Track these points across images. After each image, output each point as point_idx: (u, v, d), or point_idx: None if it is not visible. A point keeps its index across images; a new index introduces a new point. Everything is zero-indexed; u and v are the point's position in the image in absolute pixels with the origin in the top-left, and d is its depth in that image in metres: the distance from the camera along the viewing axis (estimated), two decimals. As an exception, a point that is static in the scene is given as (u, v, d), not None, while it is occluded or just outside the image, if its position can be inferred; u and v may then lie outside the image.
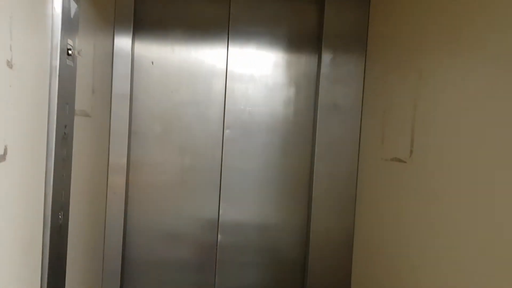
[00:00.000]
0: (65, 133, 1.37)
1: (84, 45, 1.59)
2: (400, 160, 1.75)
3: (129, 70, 2.05)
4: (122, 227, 2.09)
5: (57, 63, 1.26)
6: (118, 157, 2.05)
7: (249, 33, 2.21)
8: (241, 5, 2.20)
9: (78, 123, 1.55)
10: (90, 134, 1.74)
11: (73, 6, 1.35)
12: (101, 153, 1.94)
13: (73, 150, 1.48)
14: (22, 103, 1.06)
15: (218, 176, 2.22)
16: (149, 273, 2.20)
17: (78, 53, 1.36)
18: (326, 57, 2.18)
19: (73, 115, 1.45)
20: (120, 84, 2.04)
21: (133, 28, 2.07)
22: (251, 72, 2.22)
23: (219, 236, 2.24)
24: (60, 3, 1.26)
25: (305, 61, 2.27)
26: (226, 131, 2.21)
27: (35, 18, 1.14)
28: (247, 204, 2.26)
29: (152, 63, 2.14)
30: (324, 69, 2.17)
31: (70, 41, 1.35)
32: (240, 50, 2.21)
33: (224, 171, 2.22)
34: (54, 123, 1.27)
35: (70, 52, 1.35)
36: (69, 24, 1.34)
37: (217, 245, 2.24)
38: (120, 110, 2.04)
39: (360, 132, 2.21)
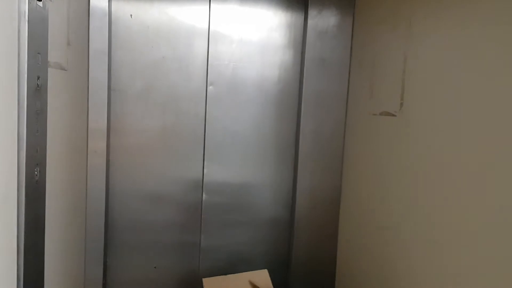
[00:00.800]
0: (38, 84, 1.28)
1: (56, -8, 1.49)
2: (389, 114, 1.71)
3: (106, 23, 1.93)
4: (104, 188, 2.02)
5: (25, 7, 1.17)
6: (97, 115, 1.97)
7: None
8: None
9: (53, 75, 1.46)
10: (66, 89, 1.66)
11: None
12: (79, 110, 1.86)
13: (48, 104, 1.40)
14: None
15: (202, 135, 2.16)
16: (133, 234, 2.16)
17: (49, -3, 1.26)
18: (313, 9, 2.09)
19: (47, 66, 1.36)
20: (98, 38, 1.93)
21: (110, -22, 1.95)
22: (234, 26, 2.13)
23: (203, 195, 2.20)
24: None
25: (291, 15, 2.18)
26: (210, 88, 2.14)
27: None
28: (232, 163, 2.21)
29: (131, 16, 2.03)
30: (310, 21, 2.09)
31: (39, -15, 1.25)
32: (224, 5, 2.11)
33: (208, 129, 2.16)
34: (25, 73, 1.19)
35: (39, -3, 1.25)
36: (38, -34, 1.24)
37: (202, 205, 2.21)
38: (98, 65, 1.94)
39: (348, 86, 2.15)
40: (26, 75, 1.18)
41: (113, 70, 2.04)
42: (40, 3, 1.26)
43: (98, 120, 1.97)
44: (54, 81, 1.49)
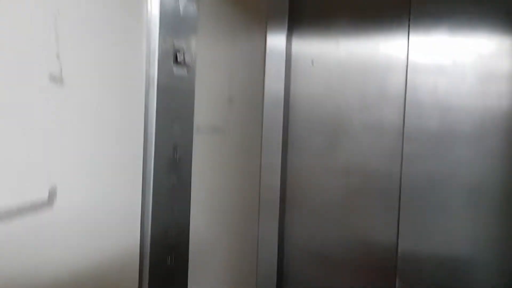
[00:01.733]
0: (174, 155, 1.12)
1: (213, 47, 1.33)
2: None
3: (283, 72, 1.73)
4: (277, 253, 1.78)
5: (154, 72, 1.01)
6: (271, 173, 1.75)
7: (438, 15, 1.66)
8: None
9: (205, 140, 1.30)
10: (227, 152, 1.48)
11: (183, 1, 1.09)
12: (247, 169, 1.67)
13: (197, 173, 1.23)
14: (86, 127, 0.83)
15: (395, 200, 1.74)
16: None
17: (184, 58, 1.09)
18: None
19: (191, 133, 1.20)
20: (273, 89, 1.73)
21: (288, 22, 1.74)
22: (441, 64, 1.67)
23: (397, 280, 1.75)
24: (158, -3, 1.00)
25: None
26: (406, 141, 1.71)
27: (113, 16, 0.89)
28: (436, 235, 1.70)
29: (312, 62, 1.78)
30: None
31: (180, 44, 1.09)
32: (426, 38, 1.68)
33: (404, 192, 1.73)
34: (152, 148, 1.02)
35: (179, 57, 1.09)
36: (178, 23, 1.08)
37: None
38: (272, 118, 1.74)
39: None
40: (153, 149, 1.02)
41: (291, 123, 1.81)
42: (181, 65, 1.10)
43: (271, 178, 1.75)
44: (207, 146, 1.32)
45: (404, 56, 1.70)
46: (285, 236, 1.84)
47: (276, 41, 1.73)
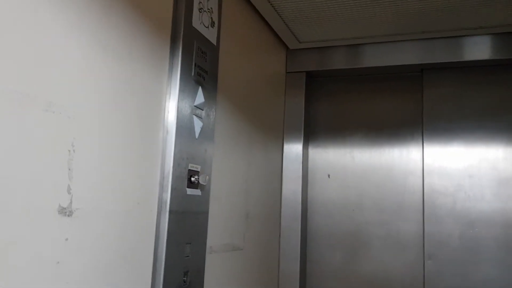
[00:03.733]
0: (184, 281, 1.08)
1: (229, 163, 1.35)
2: None
3: (300, 186, 1.72)
4: None
5: (167, 196, 1.02)
6: (289, 291, 1.68)
7: (451, 129, 1.67)
8: (436, 99, 1.70)
9: (220, 259, 1.27)
10: (243, 268, 1.44)
11: (198, 124, 1.12)
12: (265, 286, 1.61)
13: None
14: (93, 259, 0.82)
15: (421, 324, 1.62)
16: None
17: (198, 180, 1.10)
18: None
19: (203, 254, 1.17)
20: (291, 201, 1.72)
21: (304, 136, 1.77)
22: (458, 178, 1.64)
23: None
24: (174, 117, 1.02)
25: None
26: (428, 262, 1.63)
27: (127, 144, 0.92)
28: None
29: (329, 176, 1.78)
30: None
31: (194, 166, 1.11)
32: (441, 151, 1.67)
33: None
34: (162, 274, 1.00)
35: (193, 180, 1.10)
36: (193, 147, 1.10)
37: None
38: (290, 234, 1.71)
39: None
40: (162, 277, 0.99)
41: (309, 240, 1.76)
42: (195, 185, 1.10)
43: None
44: (220, 266, 1.28)
45: (419, 172, 1.68)
46: None
47: (292, 155, 1.75)
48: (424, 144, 1.69)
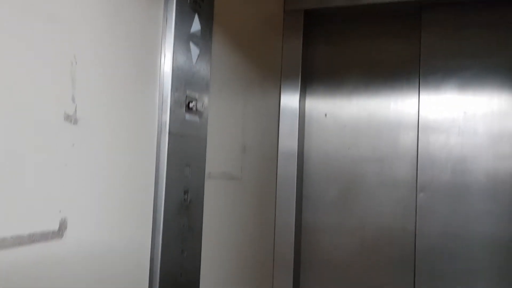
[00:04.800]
0: (185, 199, 1.16)
1: (227, 99, 1.40)
2: None
3: (296, 125, 1.78)
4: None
5: (166, 118, 1.08)
6: (285, 226, 1.76)
7: (447, 70, 1.70)
8: (434, 38, 1.73)
9: (217, 187, 1.34)
10: (241, 199, 1.51)
11: (195, 50, 1.17)
12: (260, 221, 1.69)
13: (212, 216, 1.26)
14: (99, 166, 0.88)
15: (411, 255, 1.71)
16: None
17: (196, 105, 1.16)
18: None
19: (202, 177, 1.24)
20: (288, 140, 1.78)
21: (302, 77, 1.81)
22: (452, 118, 1.69)
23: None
24: (171, 42, 1.07)
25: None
26: (420, 195, 1.70)
27: (127, 65, 0.97)
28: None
29: (326, 115, 1.84)
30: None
31: (192, 93, 1.17)
32: (436, 92, 1.72)
33: (419, 248, 1.70)
34: (163, 190, 1.07)
35: (191, 105, 1.16)
36: (190, 75, 1.15)
37: None
38: (286, 170, 1.78)
39: None
40: (164, 191, 1.07)
41: (306, 175, 1.83)
42: (193, 112, 1.16)
43: (285, 233, 1.76)
44: (219, 192, 1.36)
45: (415, 110, 1.73)
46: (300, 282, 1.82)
47: (290, 95, 1.79)
48: (421, 83, 1.73)
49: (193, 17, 1.13)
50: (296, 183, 1.77)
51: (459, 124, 1.67)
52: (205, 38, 1.21)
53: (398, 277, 1.72)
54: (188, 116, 1.15)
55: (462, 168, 1.65)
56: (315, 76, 1.86)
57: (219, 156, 1.36)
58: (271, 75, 1.75)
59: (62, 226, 0.80)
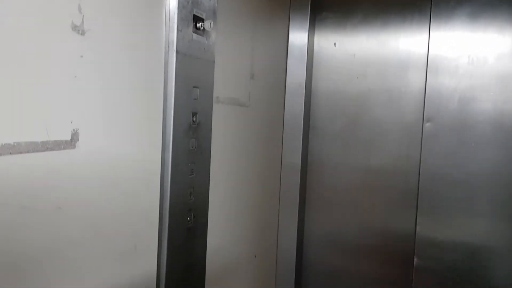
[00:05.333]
0: (193, 121, 1.16)
1: (234, 27, 1.38)
2: None
3: (305, 54, 1.75)
4: (296, 236, 1.81)
5: (174, 36, 1.06)
6: (291, 157, 1.78)
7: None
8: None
9: (224, 111, 1.34)
10: (249, 124, 1.52)
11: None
12: (267, 149, 1.71)
13: (220, 139, 1.28)
14: (107, 79, 0.88)
15: (415, 182, 1.73)
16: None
17: (203, 25, 1.14)
18: None
19: (211, 100, 1.24)
20: (296, 69, 1.77)
21: (311, 6, 1.77)
22: (461, 53, 1.66)
23: (415, 259, 1.75)
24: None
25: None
26: (427, 125, 1.71)
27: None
28: (455, 219, 1.70)
29: (335, 44, 1.81)
30: None
31: (199, 13, 1.14)
32: (448, 20, 1.67)
33: (423, 176, 1.72)
34: (172, 109, 1.07)
35: (199, 25, 1.14)
36: (198, -7, 1.13)
37: (413, 270, 1.75)
38: (294, 100, 1.77)
39: None
40: (173, 111, 1.07)
41: (313, 105, 1.83)
42: (200, 32, 1.15)
43: (291, 162, 1.78)
44: (227, 117, 1.36)
45: (425, 39, 1.70)
46: (305, 218, 1.87)
47: (299, 23, 1.76)
48: (432, 13, 1.68)
49: None
50: (304, 113, 1.77)
51: (469, 53, 1.64)
52: (212, -45, 1.17)
53: (401, 203, 1.75)
54: (195, 37, 1.14)
55: (469, 97, 1.64)
56: (325, 4, 1.81)
57: (227, 82, 1.35)
58: (280, 4, 1.71)
59: (74, 137, 0.81)
